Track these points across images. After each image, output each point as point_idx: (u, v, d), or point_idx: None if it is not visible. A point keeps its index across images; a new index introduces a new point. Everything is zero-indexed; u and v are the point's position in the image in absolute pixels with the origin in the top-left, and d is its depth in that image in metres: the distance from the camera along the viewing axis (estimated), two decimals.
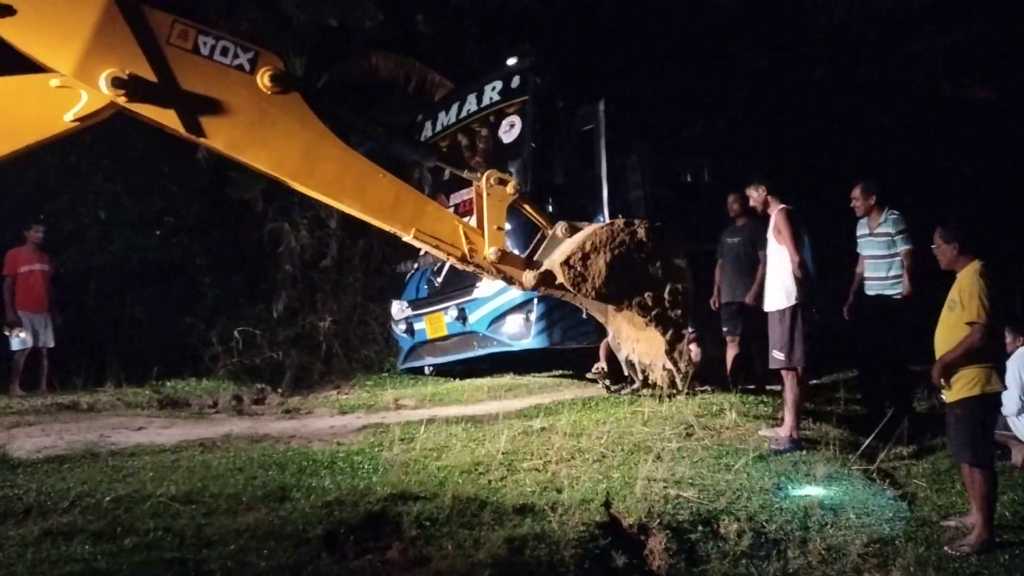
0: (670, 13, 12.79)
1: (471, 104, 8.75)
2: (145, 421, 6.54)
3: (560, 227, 5.87)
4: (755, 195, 6.38)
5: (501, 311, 7.95)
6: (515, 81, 8.30)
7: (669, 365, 5.95)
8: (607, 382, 7.37)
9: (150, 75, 4.63)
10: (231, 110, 4.86)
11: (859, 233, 6.90)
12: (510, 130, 8.21)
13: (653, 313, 5.91)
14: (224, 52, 4.82)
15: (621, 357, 6.53)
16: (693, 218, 8.28)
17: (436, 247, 5.54)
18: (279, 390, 9.12)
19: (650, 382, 6.33)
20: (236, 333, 10.17)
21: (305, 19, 11.52)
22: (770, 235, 6.15)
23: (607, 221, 6.36)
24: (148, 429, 6.21)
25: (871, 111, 10.01)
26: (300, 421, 6.94)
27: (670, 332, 5.92)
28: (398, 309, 9.27)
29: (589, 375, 7.63)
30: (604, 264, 5.69)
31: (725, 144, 8.92)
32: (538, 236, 5.95)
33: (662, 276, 5.96)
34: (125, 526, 3.86)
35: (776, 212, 6.08)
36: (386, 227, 5.41)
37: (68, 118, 4.55)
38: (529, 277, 5.73)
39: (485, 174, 5.66)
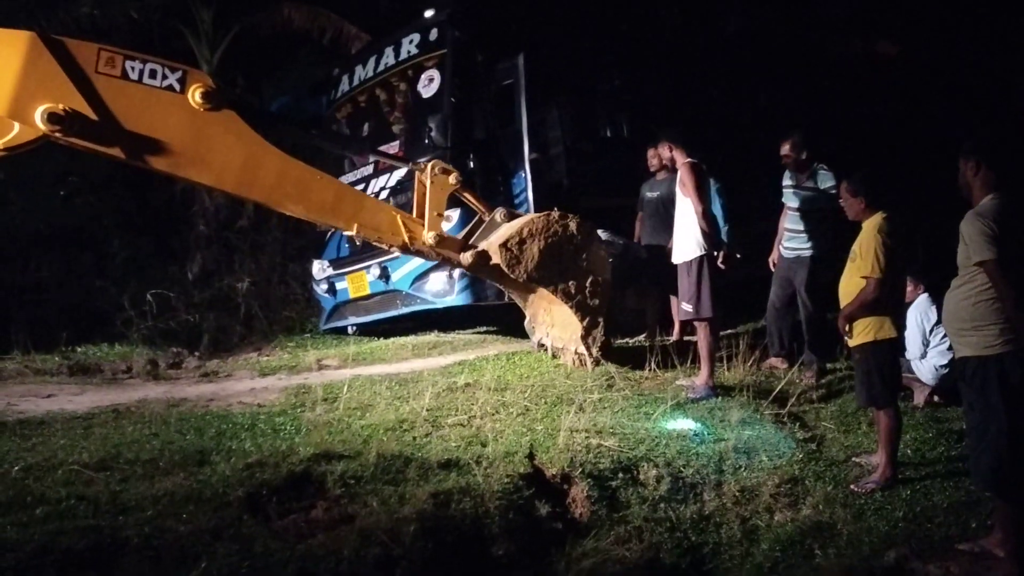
0: None
1: (388, 58, 8.57)
2: (55, 388, 6.31)
3: (499, 212, 6.32)
4: (663, 153, 6.53)
5: (424, 269, 7.91)
6: (433, 34, 8.16)
7: (582, 349, 6.30)
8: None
9: (82, 106, 4.65)
10: (167, 132, 4.93)
11: (784, 183, 6.92)
12: (429, 84, 8.09)
13: (575, 300, 6.38)
14: (152, 75, 4.87)
15: (534, 340, 6.87)
16: (612, 172, 8.36)
17: (379, 239, 5.89)
18: (196, 354, 8.90)
19: (561, 361, 6.68)
20: (149, 296, 9.83)
21: None
22: (677, 189, 6.25)
23: (536, 212, 6.74)
24: (58, 396, 5.98)
25: (783, 66, 10.22)
26: (219, 384, 6.80)
27: (587, 319, 6.42)
28: (319, 268, 9.12)
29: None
30: (538, 250, 6.17)
31: (643, 98, 8.99)
32: (475, 220, 6.22)
33: (586, 267, 6.46)
34: (36, 495, 3.74)
35: (681, 166, 6.17)
36: (330, 224, 5.61)
37: None
38: (467, 257, 6.11)
39: (430, 164, 5.98)
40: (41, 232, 11.30)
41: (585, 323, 6.41)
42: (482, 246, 6.21)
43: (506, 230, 6.24)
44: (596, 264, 6.53)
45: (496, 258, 6.09)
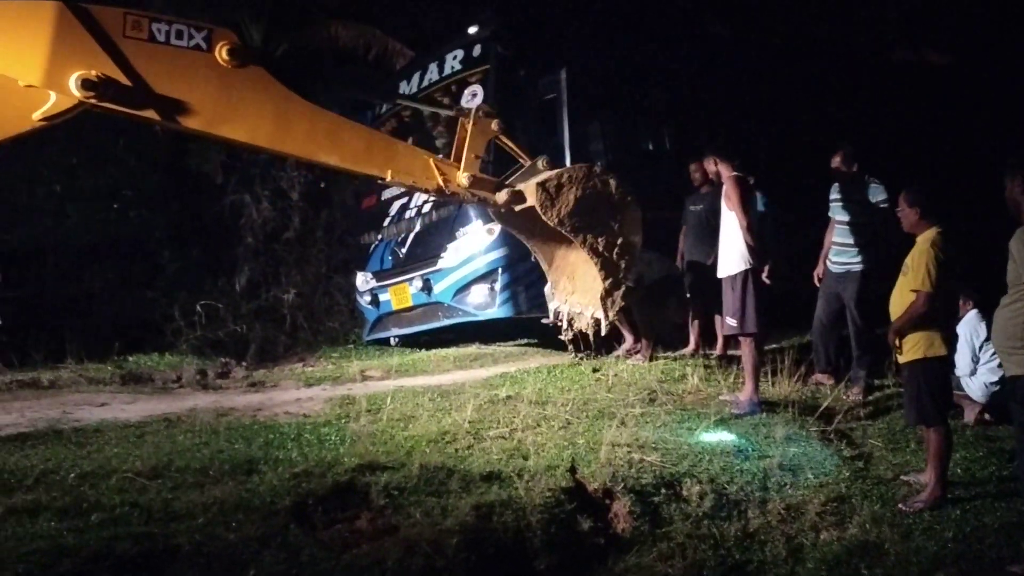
0: None
1: (432, 73, 8.68)
2: (108, 397, 6.48)
3: (541, 160, 6.22)
4: (709, 168, 6.51)
5: (466, 281, 7.97)
6: (477, 50, 8.25)
7: (599, 314, 6.18)
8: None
9: (113, 71, 4.73)
10: (198, 91, 4.97)
11: (832, 197, 6.84)
12: (472, 100, 8.15)
13: (601, 257, 6.17)
14: (179, 35, 4.91)
15: (551, 308, 6.76)
16: (655, 186, 8.34)
17: (413, 183, 5.80)
18: (244, 364, 9.06)
19: (574, 329, 6.49)
20: (198, 307, 10.04)
21: None
22: (723, 202, 6.22)
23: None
24: (111, 405, 6.15)
25: (830, 77, 10.10)
26: (266, 394, 6.92)
27: (610, 279, 6.16)
28: (363, 280, 9.24)
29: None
30: (574, 198, 6.00)
31: (687, 112, 8.96)
32: (515, 167, 6.16)
33: (618, 229, 6.23)
34: (91, 502, 3.85)
35: (726, 179, 6.14)
36: (364, 172, 5.64)
37: (36, 117, 4.61)
38: (502, 195, 5.98)
39: (475, 107, 5.96)
40: (95, 244, 11.60)
41: (607, 283, 6.19)
42: (519, 186, 6.10)
43: (546, 174, 6.22)
44: (629, 227, 6.36)
45: (531, 199, 5.98)
